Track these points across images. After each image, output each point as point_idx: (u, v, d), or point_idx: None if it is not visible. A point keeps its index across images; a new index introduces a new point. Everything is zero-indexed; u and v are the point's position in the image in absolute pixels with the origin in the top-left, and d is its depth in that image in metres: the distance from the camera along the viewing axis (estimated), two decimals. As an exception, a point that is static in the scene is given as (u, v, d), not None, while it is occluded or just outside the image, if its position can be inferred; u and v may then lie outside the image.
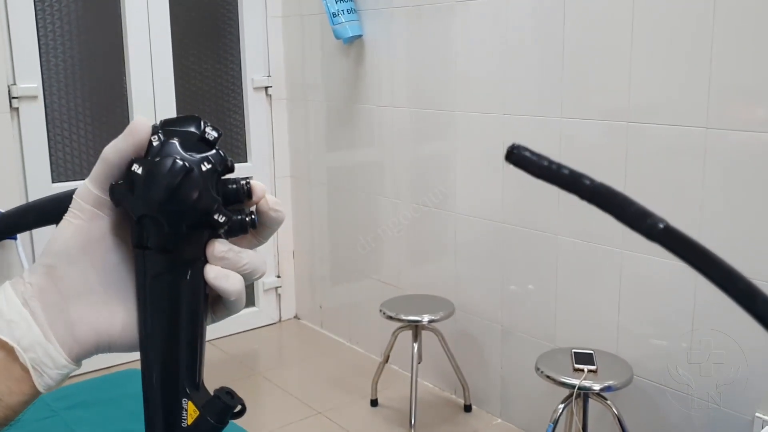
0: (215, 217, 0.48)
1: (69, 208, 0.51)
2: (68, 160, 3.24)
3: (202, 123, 0.50)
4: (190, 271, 0.50)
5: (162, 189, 0.47)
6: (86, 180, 0.51)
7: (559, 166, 0.41)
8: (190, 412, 0.50)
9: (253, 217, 0.51)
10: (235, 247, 0.51)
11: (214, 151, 0.49)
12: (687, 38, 2.12)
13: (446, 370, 3.01)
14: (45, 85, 3.12)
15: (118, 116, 3.36)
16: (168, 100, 3.45)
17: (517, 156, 0.42)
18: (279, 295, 4.00)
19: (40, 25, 3.07)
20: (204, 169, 0.48)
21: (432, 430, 2.88)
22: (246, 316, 3.87)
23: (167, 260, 0.50)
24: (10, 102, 3.01)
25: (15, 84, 3.02)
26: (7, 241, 2.92)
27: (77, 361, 0.51)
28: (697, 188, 2.14)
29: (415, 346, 2.81)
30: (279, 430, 2.87)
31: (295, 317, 4.07)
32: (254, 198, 0.52)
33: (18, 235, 2.56)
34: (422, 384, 3.15)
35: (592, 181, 0.40)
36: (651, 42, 2.21)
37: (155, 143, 0.48)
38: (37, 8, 3.05)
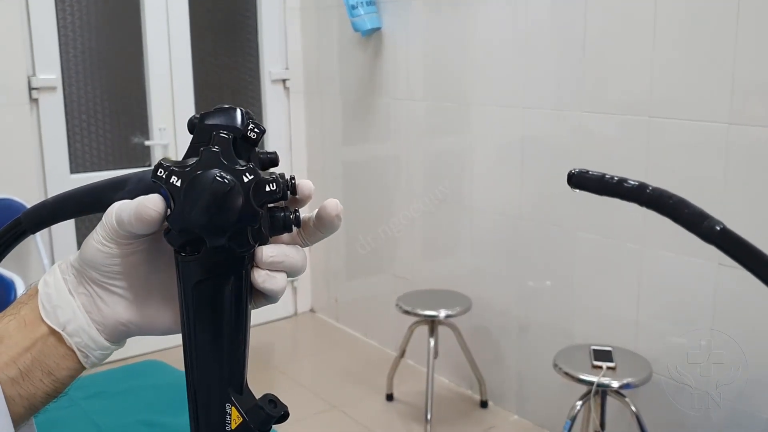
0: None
1: (98, 231, 0.50)
2: (87, 151, 3.25)
3: (244, 118, 0.47)
4: (233, 276, 0.49)
5: (203, 208, 0.45)
6: (100, 239, 0.50)
7: (620, 180, 0.44)
8: (234, 417, 0.50)
9: (297, 214, 0.49)
10: (282, 247, 0.51)
11: (256, 153, 0.47)
12: (710, 33, 2.09)
13: (462, 366, 3.00)
14: (64, 77, 3.13)
15: (136, 108, 3.37)
16: (186, 92, 3.45)
17: (578, 178, 0.45)
18: (295, 288, 4.00)
19: (59, 17, 3.08)
20: (246, 180, 0.46)
21: (448, 425, 2.87)
22: (261, 309, 3.86)
23: (209, 267, 0.48)
24: (30, 93, 3.02)
25: (34, 75, 3.03)
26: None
27: (118, 342, 0.54)
28: (718, 184, 2.11)
29: (432, 341, 2.80)
30: (294, 423, 2.86)
31: (310, 311, 4.07)
32: (300, 196, 0.51)
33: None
34: (438, 379, 3.14)
35: (651, 188, 0.43)
36: (673, 36, 2.18)
37: (177, 183, 0.45)
38: (57, 0, 3.06)
